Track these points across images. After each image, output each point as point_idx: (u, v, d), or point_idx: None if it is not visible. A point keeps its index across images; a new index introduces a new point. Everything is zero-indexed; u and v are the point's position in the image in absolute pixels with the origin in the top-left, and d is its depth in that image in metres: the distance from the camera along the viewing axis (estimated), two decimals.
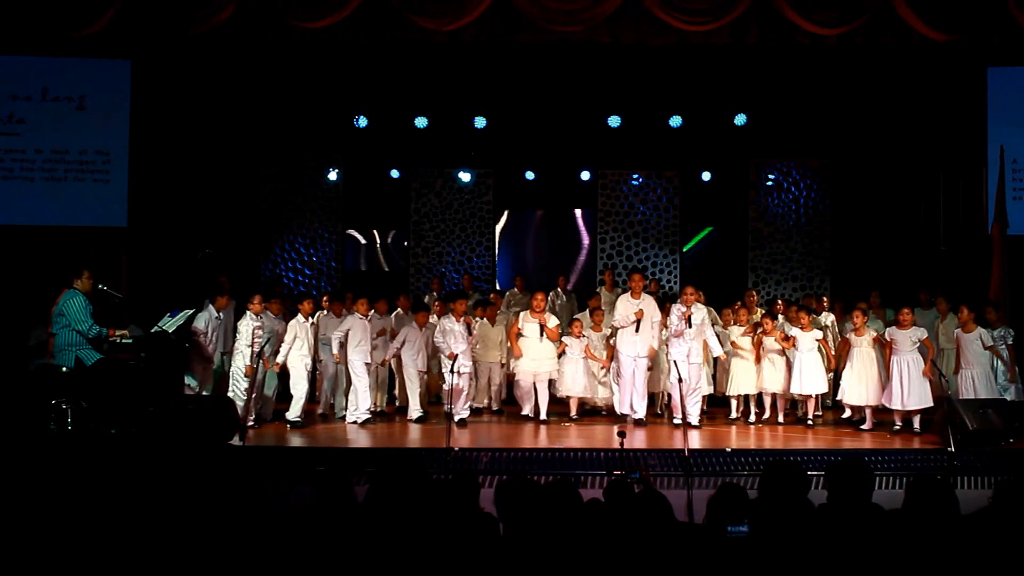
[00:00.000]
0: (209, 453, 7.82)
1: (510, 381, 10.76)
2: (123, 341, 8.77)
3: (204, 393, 9.42)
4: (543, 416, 10.17)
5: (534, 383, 10.26)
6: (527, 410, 10.37)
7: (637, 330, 9.80)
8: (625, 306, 9.93)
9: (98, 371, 8.47)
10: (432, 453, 8.35)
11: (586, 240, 14.89)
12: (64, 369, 8.42)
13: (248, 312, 9.56)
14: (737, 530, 3.89)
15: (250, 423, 9.35)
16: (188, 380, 9.40)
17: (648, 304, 9.95)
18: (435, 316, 10.60)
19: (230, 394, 9.36)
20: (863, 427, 9.72)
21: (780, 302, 11.27)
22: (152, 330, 8.99)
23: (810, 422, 9.96)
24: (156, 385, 8.64)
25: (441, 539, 3.92)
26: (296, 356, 9.84)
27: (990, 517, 4.14)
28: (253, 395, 9.38)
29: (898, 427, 9.53)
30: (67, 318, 8.53)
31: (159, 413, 8.25)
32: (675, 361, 9.39)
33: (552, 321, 10.28)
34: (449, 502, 4.33)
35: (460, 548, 3.89)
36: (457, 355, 9.67)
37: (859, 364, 9.73)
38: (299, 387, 9.84)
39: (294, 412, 9.75)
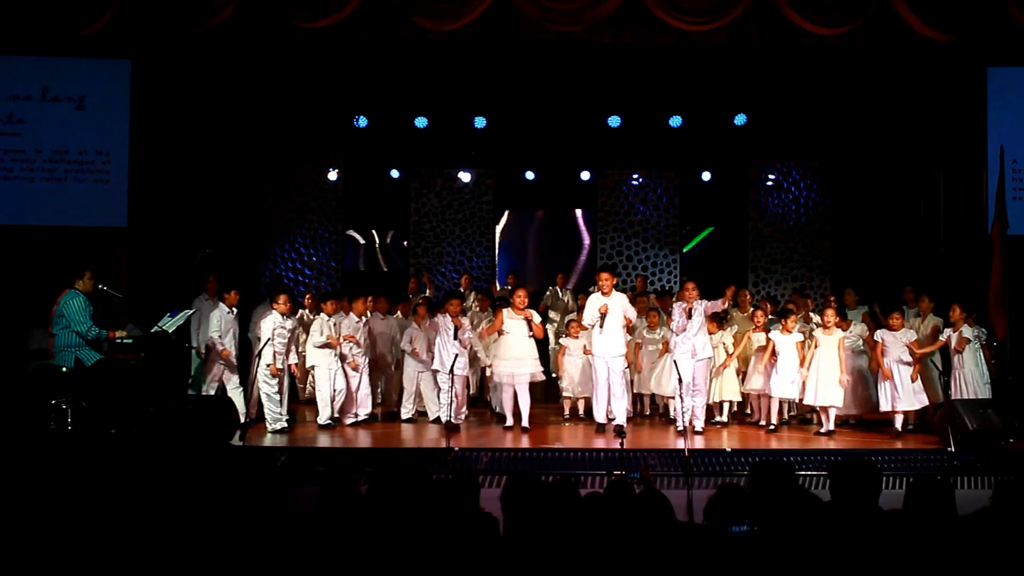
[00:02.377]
0: (209, 453, 7.82)
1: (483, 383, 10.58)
2: (123, 341, 8.77)
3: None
4: (525, 423, 9.63)
5: (514, 389, 9.76)
6: (511, 420, 9.80)
7: (601, 326, 9.40)
8: (592, 304, 9.59)
9: (98, 371, 8.48)
10: (432, 453, 8.36)
11: (586, 240, 14.88)
12: (64, 369, 8.43)
13: (274, 311, 9.47)
14: (739, 530, 3.89)
15: (284, 424, 9.43)
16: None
17: (615, 301, 9.52)
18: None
19: (263, 395, 9.37)
20: (821, 431, 9.36)
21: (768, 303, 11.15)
22: (152, 330, 8.99)
23: (772, 427, 9.70)
24: (156, 385, 8.65)
25: (441, 539, 3.92)
26: (320, 355, 9.79)
27: (990, 517, 4.14)
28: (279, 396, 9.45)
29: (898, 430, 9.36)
30: (67, 319, 8.53)
31: (159, 413, 8.25)
32: (675, 361, 9.18)
33: (538, 317, 9.95)
34: (449, 502, 4.33)
35: (460, 548, 3.89)
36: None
37: (822, 364, 9.28)
38: (323, 389, 9.77)
39: (324, 416, 9.74)
